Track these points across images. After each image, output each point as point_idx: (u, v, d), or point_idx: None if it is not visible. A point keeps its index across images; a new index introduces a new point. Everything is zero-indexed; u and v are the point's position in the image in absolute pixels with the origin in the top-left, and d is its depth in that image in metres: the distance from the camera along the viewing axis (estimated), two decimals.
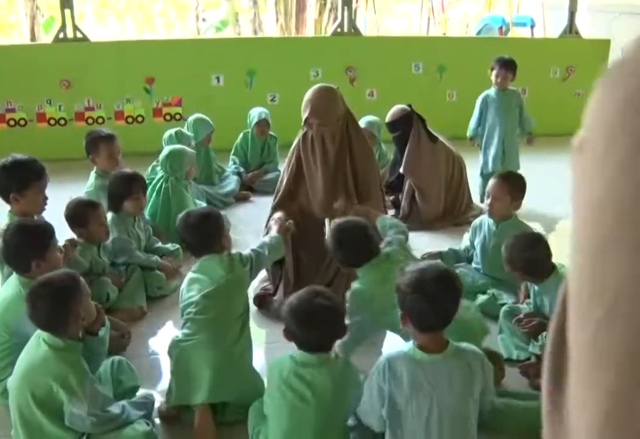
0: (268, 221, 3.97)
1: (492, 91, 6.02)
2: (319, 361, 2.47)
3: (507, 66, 5.90)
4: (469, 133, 6.13)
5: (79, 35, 7.54)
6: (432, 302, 2.30)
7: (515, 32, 12.68)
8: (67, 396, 2.45)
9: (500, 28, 12.10)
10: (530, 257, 3.25)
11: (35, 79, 7.45)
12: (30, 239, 2.99)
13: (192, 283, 3.00)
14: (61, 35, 7.50)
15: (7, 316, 2.90)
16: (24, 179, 3.46)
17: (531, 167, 6.09)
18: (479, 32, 12.44)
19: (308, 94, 3.88)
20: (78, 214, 3.84)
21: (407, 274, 2.37)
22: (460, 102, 8.40)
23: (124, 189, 4.23)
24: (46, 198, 3.60)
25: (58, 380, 2.47)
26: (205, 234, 3.04)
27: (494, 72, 5.93)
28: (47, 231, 3.05)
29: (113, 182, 4.34)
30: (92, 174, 4.88)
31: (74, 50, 7.54)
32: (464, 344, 2.45)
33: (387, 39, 9.44)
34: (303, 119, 3.86)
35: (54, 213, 3.81)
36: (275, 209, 4.03)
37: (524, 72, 8.78)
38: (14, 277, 2.99)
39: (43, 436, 2.49)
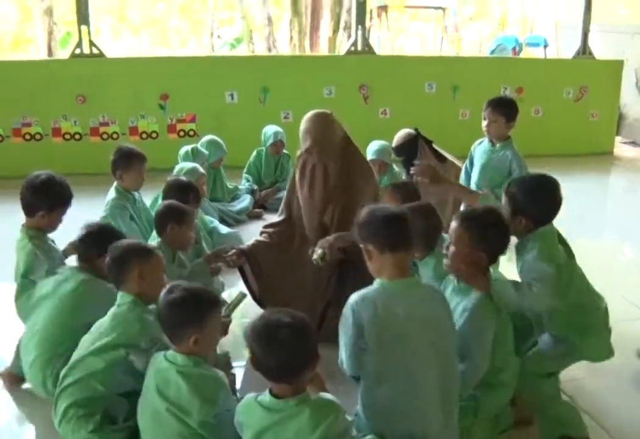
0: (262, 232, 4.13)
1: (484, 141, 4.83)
2: (292, 404, 2.24)
3: (494, 106, 4.62)
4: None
5: (95, 51, 7.62)
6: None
7: (528, 53, 12.71)
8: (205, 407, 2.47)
9: (514, 48, 12.14)
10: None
11: (51, 94, 7.53)
12: None
13: None
14: (77, 51, 7.58)
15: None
16: (56, 200, 3.51)
17: None
18: (492, 52, 12.48)
19: (306, 123, 3.87)
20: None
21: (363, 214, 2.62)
22: (473, 122, 8.36)
23: (180, 199, 4.20)
24: (61, 220, 3.64)
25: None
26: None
27: (483, 114, 4.69)
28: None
29: (168, 192, 4.33)
30: (112, 192, 4.70)
31: (89, 66, 7.61)
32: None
33: (400, 58, 9.49)
34: (304, 149, 3.83)
35: (64, 227, 3.81)
36: (265, 228, 4.16)
37: (537, 93, 8.84)
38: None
39: None
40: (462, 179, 4.95)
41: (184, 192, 4.22)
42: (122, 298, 2.86)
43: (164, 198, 4.26)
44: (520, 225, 3.04)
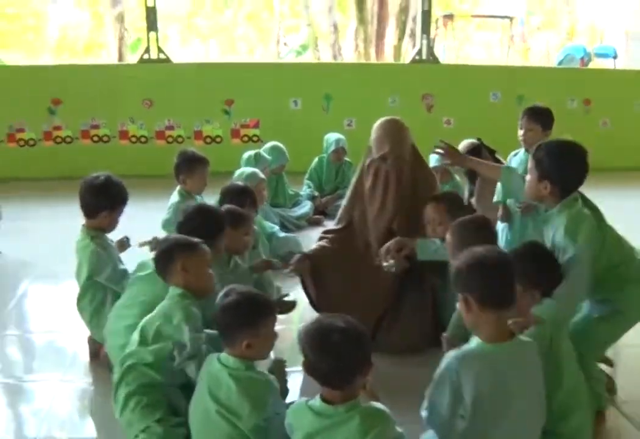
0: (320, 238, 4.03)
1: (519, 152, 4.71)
2: (342, 410, 2.21)
3: (530, 115, 4.56)
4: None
5: (162, 56, 7.77)
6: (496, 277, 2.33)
7: (597, 63, 12.47)
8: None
9: (582, 59, 11.91)
10: None
11: (119, 97, 7.72)
12: None
13: None
14: (145, 56, 7.75)
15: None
16: (117, 200, 3.57)
17: (611, 203, 5.92)
18: (560, 63, 12.28)
19: (381, 129, 3.82)
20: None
21: (465, 256, 2.39)
22: None
23: (236, 203, 4.25)
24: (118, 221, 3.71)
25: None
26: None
27: (519, 123, 4.62)
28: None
29: (225, 195, 4.36)
30: (175, 195, 4.78)
31: (157, 71, 7.79)
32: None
33: (465, 67, 9.41)
34: (377, 155, 3.76)
35: (124, 228, 3.89)
36: (325, 234, 4.07)
37: (605, 105, 8.65)
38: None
39: None
40: (497, 191, 4.70)
41: (240, 197, 4.23)
42: (172, 291, 2.89)
43: (221, 203, 4.27)
44: (545, 191, 2.96)
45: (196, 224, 3.29)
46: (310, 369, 2.24)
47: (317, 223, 6.18)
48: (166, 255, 2.92)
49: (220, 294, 2.61)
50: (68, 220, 3.63)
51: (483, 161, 3.78)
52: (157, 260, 2.96)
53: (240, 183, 4.57)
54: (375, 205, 3.82)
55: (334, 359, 2.18)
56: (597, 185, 5.74)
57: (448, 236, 3.24)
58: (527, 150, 4.53)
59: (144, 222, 4.68)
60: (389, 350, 3.58)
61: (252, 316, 2.51)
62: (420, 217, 3.74)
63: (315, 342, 2.22)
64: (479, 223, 3.24)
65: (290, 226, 5.92)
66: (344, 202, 4.11)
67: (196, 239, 3.00)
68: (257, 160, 5.70)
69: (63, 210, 3.81)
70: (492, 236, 3.26)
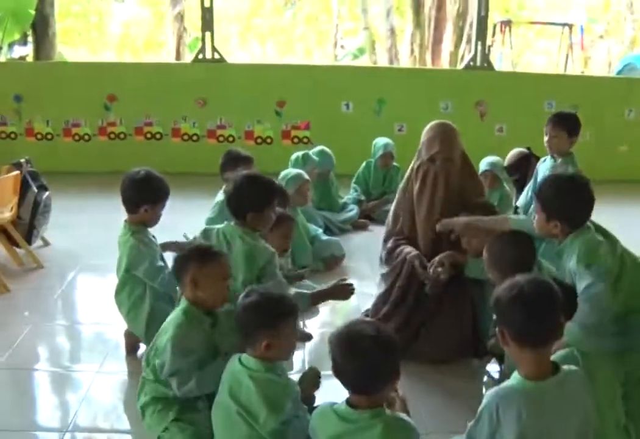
0: (390, 252, 3.87)
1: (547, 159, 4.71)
2: (367, 416, 2.19)
3: (556, 121, 4.50)
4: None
5: (216, 56, 7.87)
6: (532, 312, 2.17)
7: None
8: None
9: None
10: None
11: (173, 95, 7.85)
12: None
13: None
14: (200, 56, 7.85)
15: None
16: (158, 194, 3.59)
17: None
18: (619, 72, 12.01)
19: (432, 131, 3.78)
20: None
21: (505, 286, 2.25)
22: (595, 142, 8.13)
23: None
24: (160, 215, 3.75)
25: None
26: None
27: (545, 129, 4.57)
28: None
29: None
30: (221, 194, 4.84)
31: (211, 70, 7.90)
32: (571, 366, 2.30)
33: (520, 75, 9.31)
34: (426, 157, 3.73)
35: (172, 226, 3.93)
36: (392, 242, 3.91)
37: None
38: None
39: None
40: (523, 199, 4.78)
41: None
42: (181, 303, 2.84)
43: None
44: (555, 229, 2.93)
45: (245, 193, 3.29)
46: (337, 373, 2.24)
47: (363, 227, 6.18)
48: (180, 264, 2.85)
49: (242, 294, 2.62)
50: (118, 214, 3.67)
51: (485, 217, 3.56)
52: (173, 267, 2.91)
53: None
54: (423, 209, 3.77)
55: (360, 364, 2.17)
56: None
57: (484, 252, 3.18)
58: (552, 156, 4.55)
59: (192, 220, 4.73)
60: (426, 358, 3.57)
61: (271, 316, 2.50)
62: None
63: (344, 346, 2.21)
64: (516, 239, 3.15)
65: (335, 230, 5.92)
66: (391, 213, 4.03)
67: (216, 250, 2.91)
68: (304, 161, 5.72)
69: (114, 204, 3.86)
70: (530, 253, 3.14)
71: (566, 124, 4.46)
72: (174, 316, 2.79)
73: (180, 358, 2.68)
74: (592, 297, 2.72)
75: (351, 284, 3.63)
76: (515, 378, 2.23)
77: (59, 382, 3.45)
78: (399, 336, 3.44)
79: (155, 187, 3.58)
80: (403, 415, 2.30)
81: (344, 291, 3.62)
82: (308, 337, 3.91)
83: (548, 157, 4.64)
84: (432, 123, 3.84)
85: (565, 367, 2.26)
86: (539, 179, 4.62)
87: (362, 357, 2.18)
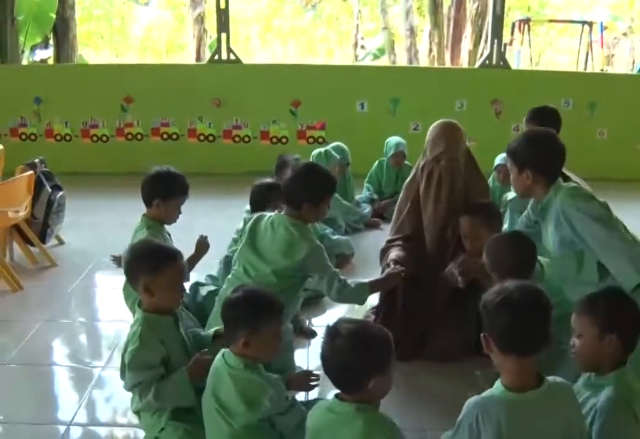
0: (382, 256, 3.89)
1: None
2: (349, 410, 2.17)
3: (533, 117, 4.47)
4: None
5: (232, 57, 7.92)
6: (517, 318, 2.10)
7: None
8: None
9: None
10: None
11: (189, 96, 7.91)
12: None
13: None
14: (216, 57, 7.91)
15: None
16: (170, 189, 3.63)
17: None
18: None
19: (436, 130, 3.77)
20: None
21: (493, 291, 2.19)
22: (612, 141, 8.08)
23: (265, 196, 4.33)
24: (180, 212, 3.75)
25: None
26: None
27: (524, 125, 4.69)
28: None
29: (254, 191, 4.44)
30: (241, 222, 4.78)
31: (226, 71, 7.96)
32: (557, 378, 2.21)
33: (536, 73, 9.28)
34: (431, 157, 3.71)
35: (186, 225, 4.00)
36: (390, 243, 3.93)
37: None
38: None
39: None
40: None
41: (270, 192, 4.29)
42: (137, 313, 2.76)
43: (251, 199, 4.42)
44: (528, 180, 2.97)
45: (304, 183, 3.24)
46: (324, 368, 2.24)
47: (375, 226, 6.20)
48: (129, 267, 2.74)
49: (231, 289, 2.64)
50: (134, 214, 3.72)
51: None
52: (125, 272, 2.78)
53: (269, 180, 4.56)
54: (429, 209, 3.75)
55: (340, 361, 2.16)
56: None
57: (484, 255, 3.14)
58: None
59: (207, 220, 4.75)
60: (432, 357, 3.60)
61: (252, 315, 2.47)
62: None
63: (327, 342, 2.21)
64: (515, 241, 3.11)
65: (348, 228, 5.95)
66: (395, 210, 4.02)
67: (167, 252, 2.74)
68: (327, 157, 5.77)
69: (130, 204, 3.92)
70: (530, 255, 3.07)
71: (545, 120, 4.28)
72: (133, 331, 2.70)
73: (139, 372, 2.63)
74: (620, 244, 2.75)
75: (403, 270, 3.48)
76: (497, 387, 2.18)
77: (67, 377, 3.52)
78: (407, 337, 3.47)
79: (167, 182, 3.62)
80: (388, 416, 2.29)
81: (397, 277, 3.47)
82: (313, 334, 3.94)
83: None
84: (437, 122, 3.83)
85: (550, 379, 2.19)
86: None
87: (339, 354, 2.16)
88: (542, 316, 2.14)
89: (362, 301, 3.43)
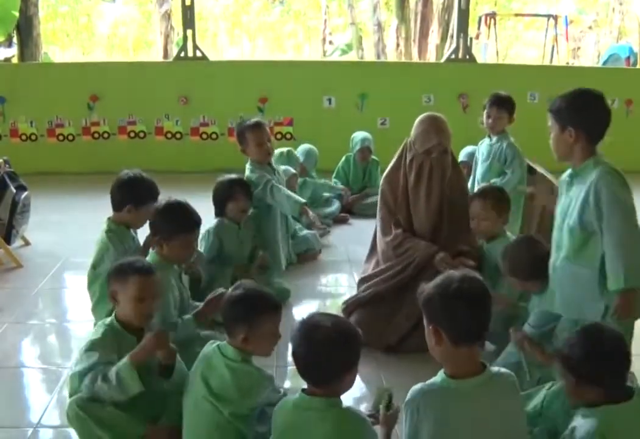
0: (398, 248, 3.82)
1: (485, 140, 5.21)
2: (319, 406, 2.21)
3: (499, 104, 5.01)
4: None
5: (198, 54, 7.88)
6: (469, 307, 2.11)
7: None
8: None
9: (628, 58, 11.65)
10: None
11: (156, 94, 7.86)
12: None
13: None
14: (182, 54, 7.87)
15: None
16: (143, 197, 3.60)
17: None
18: (605, 62, 12.05)
19: (424, 123, 3.77)
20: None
21: (437, 283, 2.18)
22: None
23: (226, 192, 4.33)
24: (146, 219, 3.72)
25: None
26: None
27: (485, 112, 5.11)
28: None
29: (216, 187, 4.43)
30: (247, 168, 4.76)
31: (193, 68, 7.90)
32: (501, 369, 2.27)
33: (502, 67, 9.34)
34: (424, 148, 3.73)
35: None
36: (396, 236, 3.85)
37: None
38: None
39: None
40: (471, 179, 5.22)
41: (231, 188, 4.35)
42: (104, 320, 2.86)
43: (214, 195, 4.43)
44: (570, 139, 2.80)
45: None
46: (294, 360, 2.27)
47: (343, 221, 6.23)
48: (109, 279, 2.85)
49: (232, 286, 2.71)
50: (101, 214, 3.68)
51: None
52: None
53: (232, 176, 4.51)
54: (420, 202, 3.81)
55: (311, 356, 2.20)
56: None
57: (500, 259, 3.27)
58: (489, 136, 5.13)
59: None
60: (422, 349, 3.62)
61: (250, 312, 2.55)
62: (454, 217, 3.81)
63: (297, 337, 2.23)
64: (530, 244, 3.25)
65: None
66: (379, 205, 3.98)
67: (136, 267, 2.80)
68: (289, 158, 5.80)
69: (97, 204, 3.89)
70: (545, 257, 3.06)
71: (508, 106, 5.03)
72: (94, 330, 2.76)
73: (88, 358, 2.64)
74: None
75: (222, 294, 3.26)
76: (440, 375, 2.20)
77: (32, 379, 3.49)
78: (394, 327, 3.62)
79: (141, 188, 3.62)
80: (360, 412, 2.31)
81: (217, 303, 3.27)
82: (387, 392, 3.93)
83: (486, 138, 5.14)
84: (423, 116, 3.85)
85: (495, 369, 2.23)
86: (479, 162, 5.14)
87: (313, 349, 2.20)
88: (489, 304, 2.16)
89: None
